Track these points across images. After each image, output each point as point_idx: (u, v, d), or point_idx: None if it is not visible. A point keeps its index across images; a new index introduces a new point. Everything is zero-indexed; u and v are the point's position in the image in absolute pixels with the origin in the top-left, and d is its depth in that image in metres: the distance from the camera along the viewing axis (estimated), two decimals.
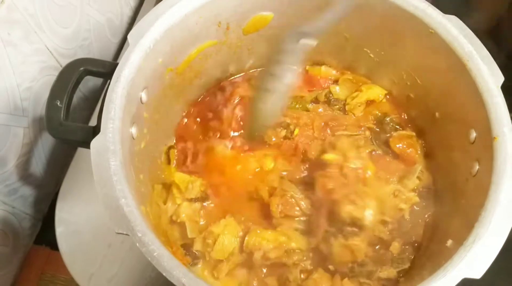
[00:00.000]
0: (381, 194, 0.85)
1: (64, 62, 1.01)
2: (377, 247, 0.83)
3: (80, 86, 0.80)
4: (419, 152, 0.91)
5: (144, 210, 0.69)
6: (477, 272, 0.61)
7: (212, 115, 0.95)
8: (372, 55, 0.92)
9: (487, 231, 0.63)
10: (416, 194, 0.86)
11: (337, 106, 0.96)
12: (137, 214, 0.63)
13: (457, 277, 0.61)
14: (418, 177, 0.87)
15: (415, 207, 0.86)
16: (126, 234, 0.62)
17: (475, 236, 0.64)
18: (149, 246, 0.61)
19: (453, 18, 0.77)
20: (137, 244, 0.61)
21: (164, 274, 0.60)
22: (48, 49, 0.97)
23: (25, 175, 1.00)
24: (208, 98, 0.98)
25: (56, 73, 0.78)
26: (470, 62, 0.74)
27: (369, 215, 0.81)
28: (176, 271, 0.60)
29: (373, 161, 0.88)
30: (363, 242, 0.81)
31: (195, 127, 0.95)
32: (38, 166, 1.04)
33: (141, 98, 0.75)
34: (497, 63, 0.74)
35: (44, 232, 1.10)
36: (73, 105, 0.77)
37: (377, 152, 0.91)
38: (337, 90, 0.97)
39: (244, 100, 0.95)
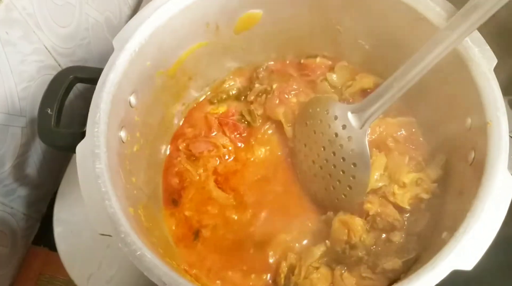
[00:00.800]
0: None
1: (63, 61, 1.01)
2: (383, 236, 0.81)
3: (79, 85, 0.80)
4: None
5: (134, 212, 0.70)
6: (468, 263, 0.59)
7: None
8: (367, 47, 0.91)
9: (478, 221, 0.61)
10: (437, 185, 0.82)
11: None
12: (120, 215, 0.64)
13: (446, 268, 0.59)
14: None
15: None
16: (109, 235, 0.63)
17: (466, 226, 0.61)
18: (131, 246, 0.62)
19: (441, 1, 0.75)
20: (119, 245, 0.62)
21: (145, 273, 0.61)
22: (47, 49, 0.97)
23: (23, 175, 1.00)
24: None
25: (55, 73, 0.80)
26: (460, 45, 0.72)
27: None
28: (157, 270, 0.61)
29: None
30: (362, 227, 0.80)
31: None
32: (36, 166, 1.04)
33: (130, 102, 0.76)
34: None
35: (42, 232, 1.10)
36: (72, 105, 0.78)
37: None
38: (334, 78, 0.95)
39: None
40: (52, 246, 0.97)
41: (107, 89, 0.71)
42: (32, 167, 1.02)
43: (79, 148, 0.67)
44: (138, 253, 0.62)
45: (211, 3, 0.81)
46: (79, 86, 0.92)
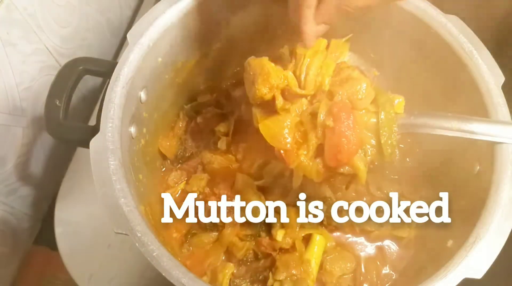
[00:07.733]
0: None
1: (64, 61, 0.99)
2: None
3: (80, 85, 0.79)
4: None
5: (144, 210, 0.69)
6: (478, 272, 0.61)
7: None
8: (372, 55, 0.91)
9: (488, 231, 0.63)
10: None
11: None
12: (136, 214, 0.63)
13: (458, 277, 0.61)
14: None
15: None
16: (126, 234, 0.62)
17: (476, 236, 0.63)
18: (149, 246, 0.61)
19: (454, 18, 0.77)
20: (137, 244, 0.61)
21: (163, 274, 0.60)
22: (48, 49, 0.97)
23: (24, 175, 1.00)
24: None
25: (56, 73, 0.78)
26: (470, 62, 0.74)
27: None
28: (175, 271, 0.60)
29: None
30: None
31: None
32: (37, 166, 1.03)
33: (140, 98, 0.75)
34: (498, 64, 0.74)
35: (43, 232, 1.09)
36: (72, 104, 0.77)
37: None
38: None
39: None
40: (53, 246, 0.96)
41: (121, 84, 0.70)
42: (33, 167, 1.02)
43: (93, 143, 0.66)
44: (156, 253, 0.61)
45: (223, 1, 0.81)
46: (80, 86, 0.92)
